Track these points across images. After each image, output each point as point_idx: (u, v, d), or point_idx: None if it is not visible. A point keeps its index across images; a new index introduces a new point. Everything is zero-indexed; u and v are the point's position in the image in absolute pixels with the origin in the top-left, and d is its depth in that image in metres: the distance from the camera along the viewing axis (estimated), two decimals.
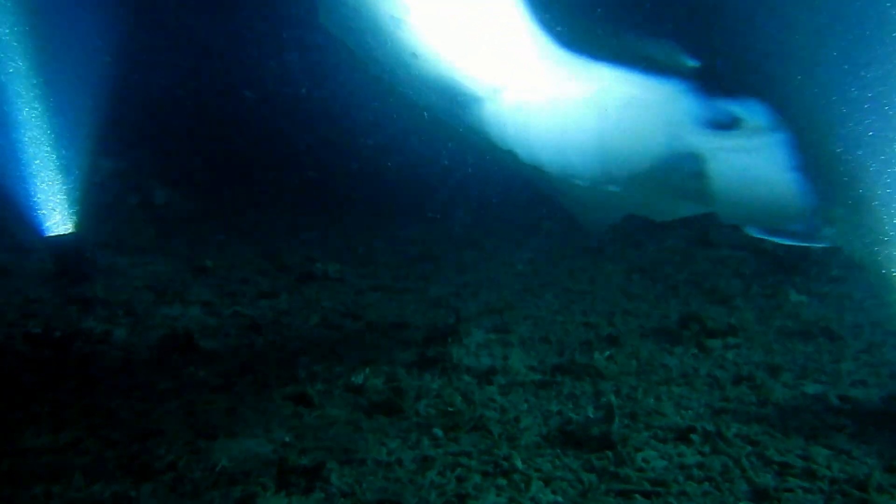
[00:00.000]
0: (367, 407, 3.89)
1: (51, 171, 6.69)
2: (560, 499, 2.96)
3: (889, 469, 3.05)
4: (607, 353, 4.72)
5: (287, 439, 3.43)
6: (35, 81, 7.13)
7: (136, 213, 7.69)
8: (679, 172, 3.60)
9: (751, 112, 3.44)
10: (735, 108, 3.46)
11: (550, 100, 3.60)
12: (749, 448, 3.33)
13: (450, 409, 3.89)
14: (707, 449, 3.36)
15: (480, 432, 3.61)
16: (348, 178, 9.56)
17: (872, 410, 3.70)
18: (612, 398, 3.98)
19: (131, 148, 8.95)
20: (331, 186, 9.34)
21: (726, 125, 3.47)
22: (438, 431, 3.61)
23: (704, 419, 3.71)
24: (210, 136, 9.61)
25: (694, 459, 3.25)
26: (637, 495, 2.95)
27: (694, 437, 3.47)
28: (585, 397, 4.08)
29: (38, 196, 6.49)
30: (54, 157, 6.70)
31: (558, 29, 3.46)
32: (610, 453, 3.32)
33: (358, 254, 7.76)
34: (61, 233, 6.23)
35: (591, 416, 3.80)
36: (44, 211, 6.40)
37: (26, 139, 6.86)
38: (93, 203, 7.07)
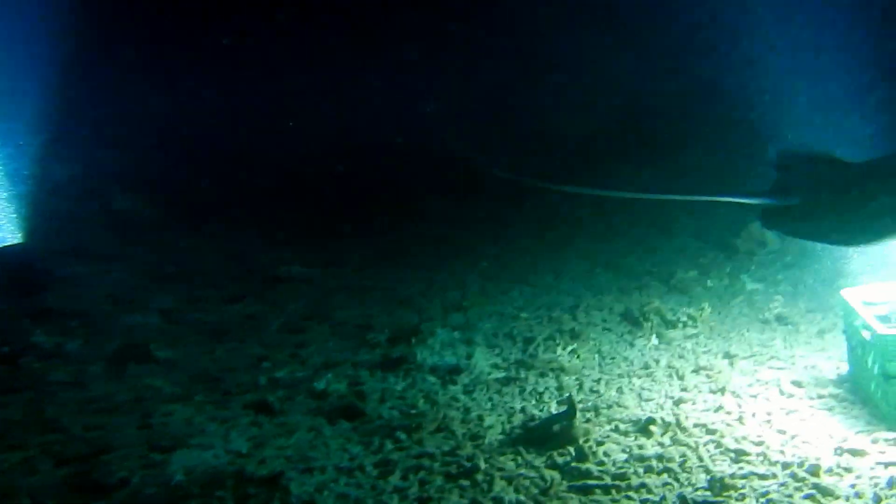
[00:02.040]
0: (330, 412, 3.86)
1: None
2: (522, 497, 2.97)
3: (838, 452, 3.11)
4: (570, 347, 4.74)
5: (245, 449, 3.39)
6: None
7: (96, 220, 7.50)
8: None
9: None
10: None
11: None
12: (707, 437, 3.38)
13: (413, 411, 3.88)
14: (667, 440, 3.40)
15: (444, 433, 3.61)
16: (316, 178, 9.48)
17: (824, 394, 3.77)
18: (575, 393, 4.01)
19: (91, 152, 8.75)
20: (298, 188, 9.24)
21: None
22: (402, 434, 3.59)
23: (664, 410, 3.75)
24: (175, 138, 9.44)
25: (654, 451, 3.28)
26: (597, 490, 2.97)
27: (654, 428, 3.50)
28: (549, 393, 4.10)
29: None
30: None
31: None
32: (572, 448, 3.34)
33: (326, 254, 7.69)
34: (10, 243, 6.06)
35: (555, 411, 3.82)
36: None
37: None
38: (49, 210, 6.89)
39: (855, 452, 3.09)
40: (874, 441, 3.20)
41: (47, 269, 6.09)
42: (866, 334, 3.47)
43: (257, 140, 9.42)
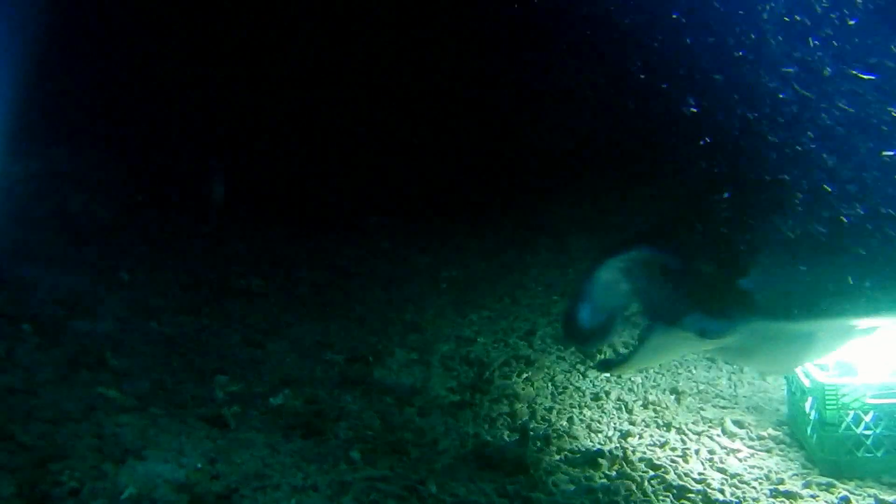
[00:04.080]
0: (286, 429, 3.87)
1: None
2: None
3: (774, 494, 3.27)
4: (525, 374, 4.85)
5: (199, 464, 3.37)
6: None
7: (47, 221, 7.32)
8: None
9: None
10: None
11: None
12: (652, 472, 3.51)
13: (368, 431, 3.92)
14: (614, 473, 3.51)
15: (398, 455, 3.66)
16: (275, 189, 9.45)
17: (763, 436, 3.95)
18: (527, 420, 4.11)
19: (44, 149, 8.54)
20: (255, 198, 9.19)
21: None
22: (356, 454, 3.63)
23: (613, 442, 3.88)
24: (132, 137, 9.29)
25: (601, 483, 3.40)
26: None
27: (602, 461, 3.62)
28: (502, 419, 4.19)
29: None
30: None
31: None
32: (523, 477, 3.43)
33: (283, 268, 7.66)
34: None
35: (507, 439, 3.91)
36: None
37: None
38: None
39: (789, 495, 3.26)
40: (807, 485, 3.37)
41: None
42: (805, 381, 3.67)
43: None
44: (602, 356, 5.01)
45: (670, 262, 3.34)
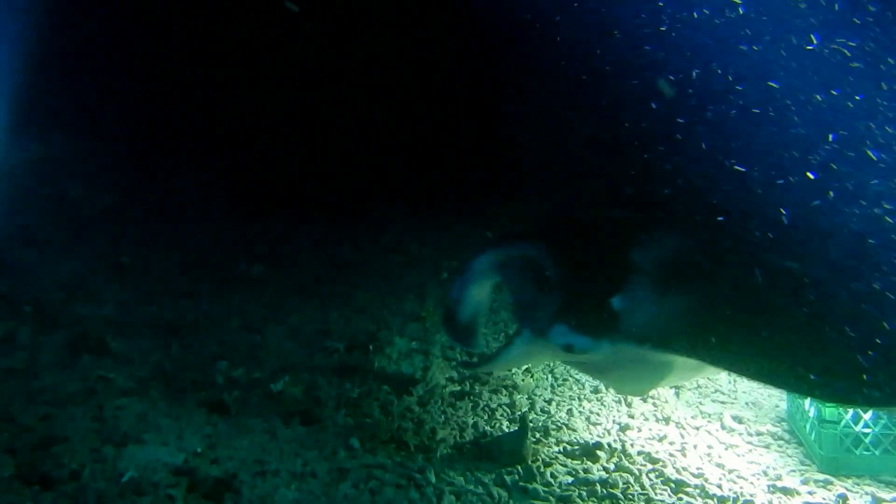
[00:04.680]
0: (285, 415, 3.88)
1: None
2: None
3: (772, 490, 3.28)
4: (525, 365, 4.85)
5: (199, 449, 3.38)
6: None
7: (48, 206, 7.31)
8: None
9: None
10: None
11: None
12: (650, 466, 3.52)
13: (367, 419, 3.93)
14: (612, 465, 3.52)
15: (397, 444, 3.67)
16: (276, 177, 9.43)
17: (762, 431, 3.96)
18: (527, 412, 4.12)
19: (44, 134, 8.52)
20: (257, 186, 9.17)
21: None
22: (355, 442, 3.64)
23: (611, 435, 3.89)
24: (133, 122, 9.26)
25: (599, 476, 3.40)
26: None
27: (600, 453, 3.63)
28: (501, 410, 4.20)
29: None
30: None
31: None
32: (520, 468, 3.44)
33: (283, 255, 7.65)
34: None
35: (506, 429, 3.91)
36: None
37: None
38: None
39: (787, 491, 3.27)
40: (805, 482, 3.38)
41: None
42: None
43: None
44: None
45: (546, 269, 3.24)
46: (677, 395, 4.47)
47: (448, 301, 3.51)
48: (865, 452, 3.47)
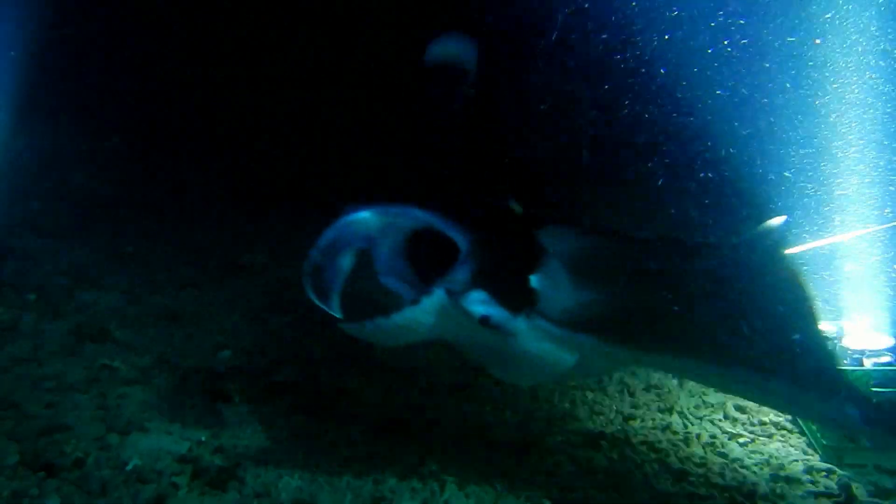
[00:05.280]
0: (288, 405, 3.88)
1: None
2: (473, 502, 3.06)
3: (774, 479, 3.28)
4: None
5: (203, 437, 3.39)
6: None
7: (51, 194, 7.31)
8: None
9: None
10: None
11: None
12: (653, 456, 3.52)
13: (370, 410, 3.93)
14: (615, 455, 3.53)
15: (400, 434, 3.67)
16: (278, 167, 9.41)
17: (765, 421, 3.96)
18: (529, 402, 4.12)
19: (48, 123, 8.51)
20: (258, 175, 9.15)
21: None
22: (357, 431, 3.64)
23: (614, 425, 3.89)
24: (137, 112, 9.24)
25: (602, 465, 3.41)
26: (546, 501, 3.07)
27: (603, 443, 3.63)
28: (504, 400, 4.20)
29: None
30: None
31: None
32: (524, 458, 3.44)
33: (287, 246, 7.65)
34: None
35: (509, 420, 3.92)
36: None
37: None
38: (3, 183, 6.70)
39: (789, 480, 3.27)
40: (808, 471, 3.38)
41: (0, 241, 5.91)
42: None
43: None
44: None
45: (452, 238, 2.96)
46: (680, 384, 4.47)
47: (312, 254, 3.27)
48: (869, 443, 3.47)
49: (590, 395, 4.29)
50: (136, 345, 4.45)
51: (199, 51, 9.46)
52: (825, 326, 3.84)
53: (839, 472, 3.39)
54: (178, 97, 9.25)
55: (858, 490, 3.21)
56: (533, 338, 2.89)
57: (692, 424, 3.91)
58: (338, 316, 3.24)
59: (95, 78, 8.98)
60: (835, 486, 3.25)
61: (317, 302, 3.21)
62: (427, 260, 3.24)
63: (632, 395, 4.31)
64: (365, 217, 3.23)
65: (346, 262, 3.35)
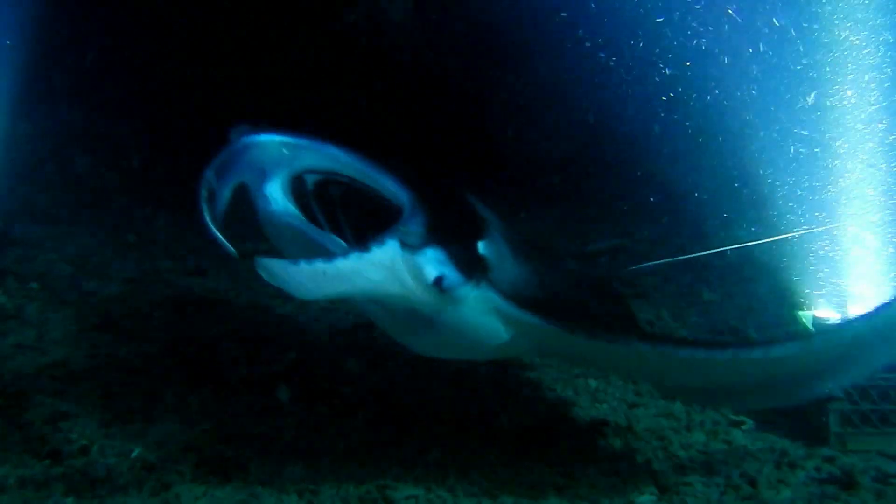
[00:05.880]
0: (292, 393, 3.89)
1: None
2: (476, 490, 3.07)
3: (777, 466, 3.28)
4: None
5: (207, 426, 3.40)
6: None
7: (55, 182, 7.31)
8: None
9: None
10: None
11: None
12: (656, 443, 3.52)
13: (374, 397, 3.94)
14: (618, 443, 3.53)
15: (403, 421, 3.68)
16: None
17: (767, 408, 3.95)
18: (533, 389, 4.13)
19: (51, 109, 8.49)
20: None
21: None
22: (361, 420, 3.65)
23: (618, 413, 3.89)
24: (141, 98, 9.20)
25: (605, 453, 3.41)
26: (549, 488, 3.08)
27: (606, 430, 3.64)
28: (507, 387, 4.21)
29: None
30: None
31: None
32: (527, 446, 3.44)
33: None
34: None
35: (511, 407, 3.92)
36: None
37: None
38: (4, 169, 6.71)
39: (792, 466, 3.27)
40: (811, 457, 3.38)
41: (2, 229, 5.92)
42: None
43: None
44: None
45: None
46: None
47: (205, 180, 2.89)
48: (872, 429, 3.46)
49: (593, 384, 4.28)
50: (140, 333, 4.47)
51: (202, 42, 9.40)
52: (827, 313, 3.84)
53: (842, 457, 3.38)
54: (184, 84, 9.21)
55: (862, 476, 3.20)
56: (477, 309, 2.65)
57: (695, 411, 3.90)
58: (231, 252, 2.84)
59: (99, 64, 8.93)
60: (838, 472, 3.25)
61: (214, 233, 2.89)
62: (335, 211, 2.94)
63: (635, 382, 4.31)
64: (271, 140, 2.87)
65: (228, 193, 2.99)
